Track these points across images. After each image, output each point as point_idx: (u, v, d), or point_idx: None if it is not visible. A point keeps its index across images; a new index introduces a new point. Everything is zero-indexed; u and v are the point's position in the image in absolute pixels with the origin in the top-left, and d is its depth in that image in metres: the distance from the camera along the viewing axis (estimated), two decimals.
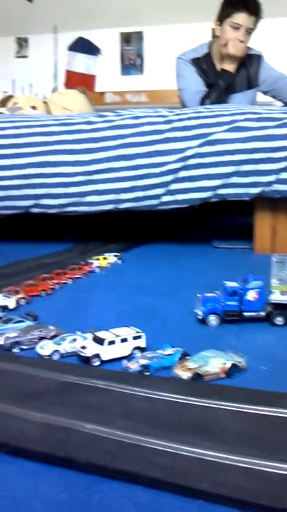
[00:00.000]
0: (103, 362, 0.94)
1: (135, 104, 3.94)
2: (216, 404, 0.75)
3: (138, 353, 0.96)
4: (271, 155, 1.86)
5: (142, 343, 0.98)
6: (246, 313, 1.16)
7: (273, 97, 2.56)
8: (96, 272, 1.68)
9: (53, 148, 1.94)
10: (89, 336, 1.00)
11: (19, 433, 0.67)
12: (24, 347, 1.00)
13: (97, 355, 0.93)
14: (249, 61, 2.43)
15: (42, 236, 2.25)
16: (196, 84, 2.42)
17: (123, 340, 0.96)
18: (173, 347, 0.96)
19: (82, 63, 4.49)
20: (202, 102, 2.35)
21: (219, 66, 2.41)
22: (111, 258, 1.79)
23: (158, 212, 2.04)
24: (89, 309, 1.29)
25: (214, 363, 0.88)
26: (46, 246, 2.03)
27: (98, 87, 4.35)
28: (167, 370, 0.90)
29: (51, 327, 1.06)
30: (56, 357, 0.96)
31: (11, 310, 1.25)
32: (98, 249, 1.95)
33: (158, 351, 0.95)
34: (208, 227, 2.70)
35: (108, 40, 4.59)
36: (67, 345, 0.97)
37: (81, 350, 0.95)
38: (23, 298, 1.31)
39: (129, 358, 0.94)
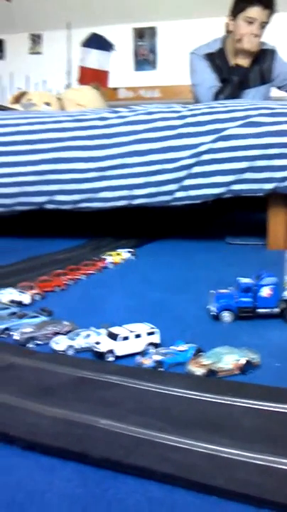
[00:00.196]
0: (117, 357, 0.94)
1: (148, 100, 3.94)
2: (230, 400, 0.75)
3: (152, 349, 0.96)
4: (284, 150, 1.85)
5: (156, 339, 0.99)
6: (260, 310, 1.15)
7: None
8: (110, 267, 1.69)
9: (67, 145, 1.95)
10: (103, 331, 1.00)
11: (34, 428, 0.67)
12: (39, 342, 1.01)
13: (111, 351, 0.94)
14: (263, 56, 2.42)
15: (56, 232, 2.26)
16: (210, 80, 2.42)
17: (137, 336, 0.97)
18: (187, 343, 0.96)
19: (95, 59, 4.49)
20: (216, 97, 2.34)
21: (232, 61, 2.40)
22: (124, 254, 1.79)
23: (171, 208, 2.04)
24: (102, 305, 1.29)
25: (228, 359, 0.88)
26: (60, 242, 2.04)
27: (111, 83, 4.36)
28: (181, 366, 0.90)
29: (65, 322, 1.07)
30: (70, 352, 0.96)
31: (25, 305, 1.26)
32: (111, 245, 1.96)
33: (171, 347, 0.95)
34: (221, 223, 2.70)
35: (121, 36, 4.58)
36: (81, 341, 0.98)
37: (95, 345, 0.95)
38: (37, 293, 1.32)
39: (143, 353, 0.94)
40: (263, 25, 2.29)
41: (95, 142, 1.95)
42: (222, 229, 2.33)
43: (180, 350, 0.94)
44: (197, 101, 2.46)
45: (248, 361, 0.88)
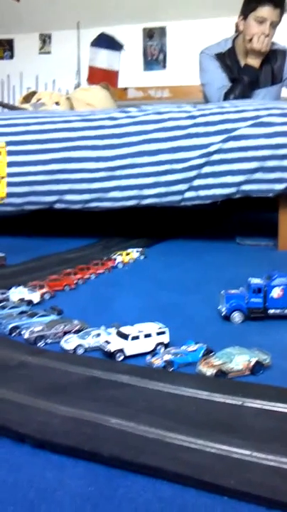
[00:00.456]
0: (126, 357, 0.94)
1: (158, 100, 3.94)
2: (240, 401, 0.74)
3: (161, 349, 0.96)
4: None
5: (166, 338, 0.98)
6: (270, 311, 1.15)
7: None
8: (119, 267, 1.69)
9: (76, 144, 1.95)
10: (113, 330, 1.00)
11: (45, 426, 0.67)
12: (49, 341, 1.01)
13: (121, 350, 0.94)
14: (273, 56, 2.41)
15: (65, 231, 2.26)
16: (220, 80, 2.41)
17: (147, 335, 0.97)
18: (197, 343, 0.96)
19: (104, 59, 4.50)
20: (226, 97, 2.33)
21: (243, 61, 2.39)
22: (133, 254, 1.79)
23: (180, 208, 2.04)
24: (112, 304, 1.29)
25: (239, 359, 0.88)
26: (69, 241, 2.04)
27: (121, 83, 4.37)
28: (191, 366, 0.89)
29: (75, 321, 1.07)
30: (80, 351, 0.96)
31: (35, 304, 1.26)
32: (121, 245, 1.96)
33: (181, 347, 0.95)
34: (231, 223, 2.69)
35: (131, 36, 4.59)
36: (91, 340, 0.98)
37: (105, 344, 0.95)
38: (47, 292, 1.32)
39: (153, 353, 0.94)
40: (273, 24, 2.28)
41: (105, 142, 1.95)
42: (232, 229, 2.33)
43: (190, 350, 0.93)
44: (207, 101, 2.46)
45: (258, 362, 0.88)
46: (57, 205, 2.01)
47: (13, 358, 0.90)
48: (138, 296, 1.36)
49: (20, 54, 4.98)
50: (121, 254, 1.75)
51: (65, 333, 1.03)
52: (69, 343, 0.98)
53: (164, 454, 0.62)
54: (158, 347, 0.97)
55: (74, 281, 1.45)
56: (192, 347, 0.94)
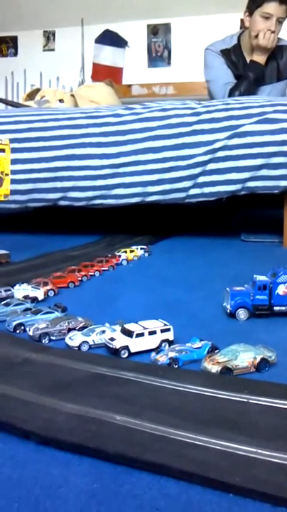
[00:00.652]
0: (131, 354, 0.94)
1: (162, 97, 3.92)
2: (245, 398, 0.74)
3: (166, 346, 0.96)
4: None
5: (170, 335, 0.98)
6: (276, 308, 1.15)
7: None
8: (123, 264, 1.69)
9: (80, 141, 1.95)
10: (118, 327, 1.00)
11: (50, 423, 0.67)
12: (53, 338, 1.01)
13: (126, 347, 0.94)
14: (279, 52, 2.40)
15: (70, 229, 2.26)
16: (225, 76, 2.40)
17: (152, 332, 0.96)
18: (202, 340, 0.95)
19: (109, 56, 4.50)
20: (231, 94, 2.32)
21: (248, 57, 2.38)
22: (138, 251, 1.79)
23: (185, 205, 2.03)
24: (116, 301, 1.29)
25: (244, 357, 0.87)
26: (74, 238, 2.04)
27: (125, 80, 4.36)
28: (196, 363, 0.89)
29: (80, 318, 1.07)
30: (85, 348, 0.96)
31: (39, 301, 1.26)
32: (125, 242, 1.96)
33: (186, 344, 0.94)
34: (236, 220, 2.68)
35: (135, 33, 4.57)
36: (95, 337, 0.98)
37: (109, 341, 0.95)
38: (51, 289, 1.32)
39: (157, 350, 0.94)
40: (280, 20, 2.26)
41: (109, 139, 1.94)
42: (237, 226, 2.32)
43: (195, 348, 0.93)
44: (212, 97, 2.45)
45: (264, 359, 0.88)
46: (61, 202, 2.01)
47: (18, 355, 0.90)
48: (143, 293, 1.36)
49: (24, 51, 4.97)
50: (125, 252, 1.75)
51: (70, 330, 1.03)
52: (74, 340, 0.97)
53: (169, 451, 0.61)
54: (163, 344, 0.97)
55: (79, 278, 1.45)
56: (197, 344, 0.94)
